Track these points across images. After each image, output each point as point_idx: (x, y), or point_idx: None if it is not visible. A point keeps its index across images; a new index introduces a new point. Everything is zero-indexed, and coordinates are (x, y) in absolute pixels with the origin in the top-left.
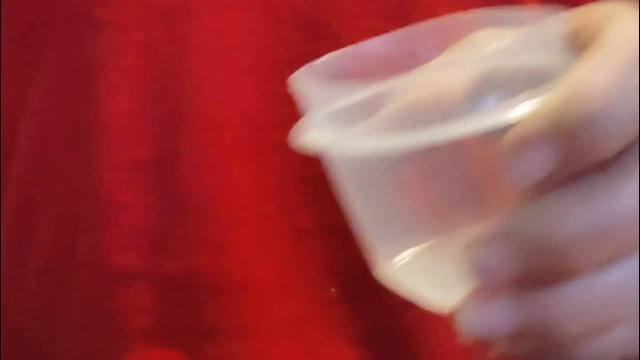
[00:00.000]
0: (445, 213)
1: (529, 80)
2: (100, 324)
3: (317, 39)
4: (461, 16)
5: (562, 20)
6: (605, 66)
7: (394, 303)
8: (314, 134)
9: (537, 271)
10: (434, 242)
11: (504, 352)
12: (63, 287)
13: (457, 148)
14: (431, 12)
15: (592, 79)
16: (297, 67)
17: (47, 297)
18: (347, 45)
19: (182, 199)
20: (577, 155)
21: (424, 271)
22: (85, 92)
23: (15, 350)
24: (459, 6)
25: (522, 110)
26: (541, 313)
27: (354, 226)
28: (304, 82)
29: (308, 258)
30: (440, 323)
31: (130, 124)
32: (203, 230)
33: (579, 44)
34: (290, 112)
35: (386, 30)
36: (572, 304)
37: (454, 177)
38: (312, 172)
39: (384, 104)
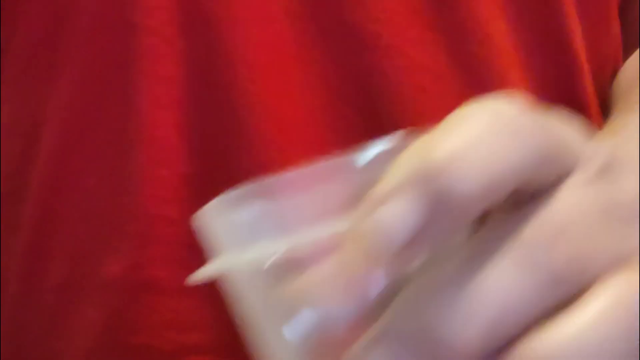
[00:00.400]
0: None
1: None
2: (129, 340)
3: (365, 49)
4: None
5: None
6: None
7: None
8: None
9: None
10: None
11: None
12: (81, 304)
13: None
14: (478, 24)
15: None
16: (345, 79)
17: (62, 315)
18: (395, 55)
19: None
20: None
21: None
22: (121, 102)
23: None
24: (506, 18)
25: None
26: None
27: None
28: (212, 217)
29: None
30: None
31: (178, 137)
32: None
33: None
34: (336, 125)
35: (434, 41)
36: None
37: None
38: None
39: None
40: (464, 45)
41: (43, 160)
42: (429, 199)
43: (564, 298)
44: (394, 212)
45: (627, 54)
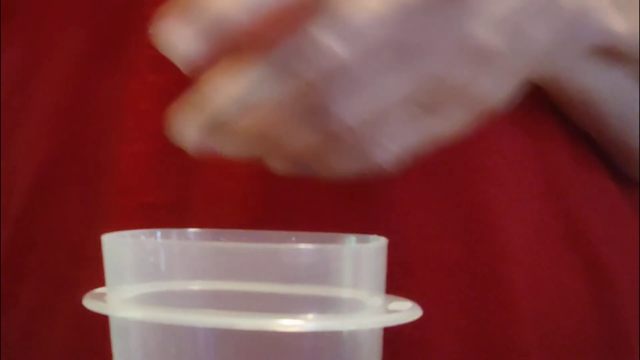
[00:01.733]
0: None
1: None
2: None
3: None
4: None
5: None
6: None
7: None
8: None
9: None
10: None
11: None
12: (52, 327)
13: None
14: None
15: None
16: None
17: (34, 334)
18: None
19: None
20: None
21: None
22: (95, 134)
23: None
24: None
25: None
26: None
27: None
28: (119, 245)
29: None
30: None
31: (148, 168)
32: None
33: None
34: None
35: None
36: None
37: None
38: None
39: None
40: None
41: (21, 188)
42: None
43: None
44: None
45: None
